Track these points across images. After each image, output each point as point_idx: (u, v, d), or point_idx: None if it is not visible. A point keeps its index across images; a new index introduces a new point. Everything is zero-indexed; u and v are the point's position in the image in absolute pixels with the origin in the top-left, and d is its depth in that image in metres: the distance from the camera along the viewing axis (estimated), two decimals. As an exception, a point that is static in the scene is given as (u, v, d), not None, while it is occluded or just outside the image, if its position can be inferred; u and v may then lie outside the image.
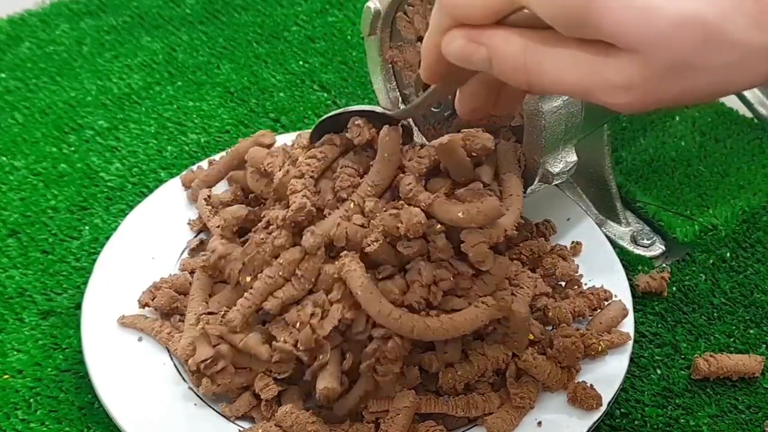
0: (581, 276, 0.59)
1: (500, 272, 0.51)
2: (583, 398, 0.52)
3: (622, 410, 0.56)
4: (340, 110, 0.56)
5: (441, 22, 0.38)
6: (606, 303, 0.58)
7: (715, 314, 0.62)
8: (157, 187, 0.68)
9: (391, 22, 0.60)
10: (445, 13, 0.38)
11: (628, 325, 0.57)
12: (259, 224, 0.54)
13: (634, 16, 0.32)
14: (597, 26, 0.33)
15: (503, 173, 0.54)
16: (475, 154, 0.52)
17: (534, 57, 0.35)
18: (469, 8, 0.37)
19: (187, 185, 0.66)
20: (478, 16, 0.36)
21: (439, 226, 0.50)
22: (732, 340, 0.60)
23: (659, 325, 0.61)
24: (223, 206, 0.61)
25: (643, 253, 0.66)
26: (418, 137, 0.64)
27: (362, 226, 0.51)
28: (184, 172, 0.67)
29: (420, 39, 0.59)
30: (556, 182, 0.60)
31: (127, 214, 0.65)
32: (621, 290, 0.59)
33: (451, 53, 0.38)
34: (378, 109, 0.55)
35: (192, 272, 0.59)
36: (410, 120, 0.59)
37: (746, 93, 0.75)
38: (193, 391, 0.54)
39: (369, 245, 0.50)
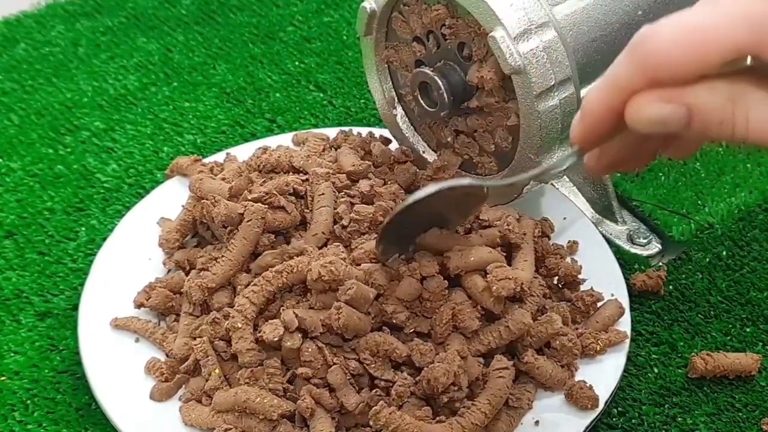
0: (584, 280, 0.59)
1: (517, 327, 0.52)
2: (580, 397, 0.52)
3: (620, 409, 0.56)
4: (419, 196, 0.45)
5: (630, 81, 0.33)
6: (597, 306, 0.58)
7: (712, 313, 0.62)
8: (153, 188, 0.68)
9: (386, 22, 0.60)
10: (640, 73, 0.32)
11: (624, 324, 0.57)
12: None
13: None
14: None
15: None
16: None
17: (743, 106, 0.32)
18: (679, 67, 0.31)
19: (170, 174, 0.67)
20: (689, 75, 0.32)
21: None
22: (729, 338, 0.60)
23: (656, 324, 0.61)
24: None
25: (639, 252, 0.66)
26: (415, 143, 0.64)
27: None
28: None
29: (416, 39, 0.59)
30: (552, 181, 0.61)
31: (123, 215, 0.65)
32: (617, 289, 0.59)
33: (642, 119, 0.33)
34: (467, 181, 0.49)
35: (187, 272, 0.58)
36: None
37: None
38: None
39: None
